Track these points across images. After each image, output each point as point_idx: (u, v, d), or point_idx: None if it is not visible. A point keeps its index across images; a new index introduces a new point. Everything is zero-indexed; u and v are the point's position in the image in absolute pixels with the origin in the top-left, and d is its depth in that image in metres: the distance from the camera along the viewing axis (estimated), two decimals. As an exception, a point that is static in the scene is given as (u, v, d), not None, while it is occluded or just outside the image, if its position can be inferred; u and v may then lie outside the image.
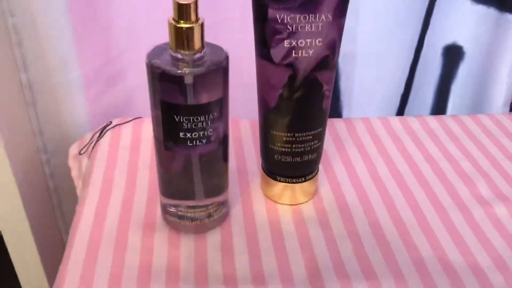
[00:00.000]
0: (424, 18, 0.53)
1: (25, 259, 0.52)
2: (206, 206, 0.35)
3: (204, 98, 0.31)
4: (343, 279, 0.33)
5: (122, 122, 0.47)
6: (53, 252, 0.57)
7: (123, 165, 0.42)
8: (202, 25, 0.29)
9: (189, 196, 0.35)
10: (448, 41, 0.55)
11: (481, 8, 0.52)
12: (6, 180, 0.47)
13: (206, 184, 0.35)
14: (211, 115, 0.31)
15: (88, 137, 0.48)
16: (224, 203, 0.37)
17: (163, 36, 0.49)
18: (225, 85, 0.32)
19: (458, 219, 0.38)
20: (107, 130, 0.46)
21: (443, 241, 0.36)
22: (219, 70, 0.31)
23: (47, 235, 0.55)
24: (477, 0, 0.52)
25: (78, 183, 0.46)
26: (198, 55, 0.30)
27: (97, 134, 0.46)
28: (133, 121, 0.47)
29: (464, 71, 0.57)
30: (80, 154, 0.46)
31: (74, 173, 0.47)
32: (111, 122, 0.47)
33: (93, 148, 0.45)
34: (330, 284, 0.32)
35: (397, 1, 0.51)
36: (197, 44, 0.30)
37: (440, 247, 0.36)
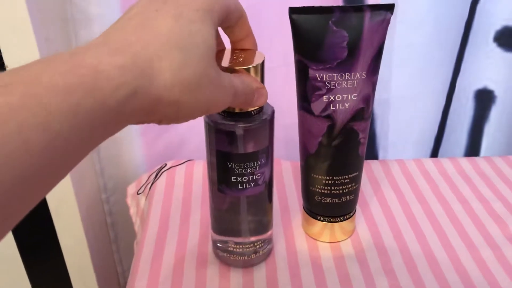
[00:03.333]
0: (454, 64, 0.57)
1: (86, 284, 0.57)
2: (253, 243, 0.39)
3: (253, 147, 0.35)
4: (379, 313, 0.35)
5: (176, 164, 0.52)
6: (107, 280, 0.62)
7: (177, 204, 0.47)
8: None
9: (238, 233, 0.39)
10: (479, 85, 0.58)
11: (510, 55, 0.55)
12: (73, 215, 0.52)
13: (254, 222, 0.39)
14: (259, 162, 0.35)
15: (144, 178, 0.53)
16: (269, 240, 0.40)
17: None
18: (271, 135, 0.36)
19: (489, 258, 0.40)
20: (163, 171, 0.51)
21: (475, 279, 0.38)
22: (266, 122, 0.35)
23: (104, 267, 0.60)
24: (506, 48, 0.55)
25: (136, 220, 0.51)
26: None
27: (153, 175, 0.51)
28: (186, 163, 0.52)
29: (496, 113, 0.59)
30: (138, 194, 0.51)
31: (132, 211, 0.52)
32: (166, 164, 0.52)
33: (150, 188, 0.50)
34: (367, 316, 0.35)
35: (428, 48, 0.54)
36: None
37: (472, 285, 0.38)
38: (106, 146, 0.55)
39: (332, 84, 0.36)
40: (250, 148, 0.35)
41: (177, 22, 0.23)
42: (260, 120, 0.35)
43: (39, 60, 0.20)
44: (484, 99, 0.59)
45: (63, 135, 0.19)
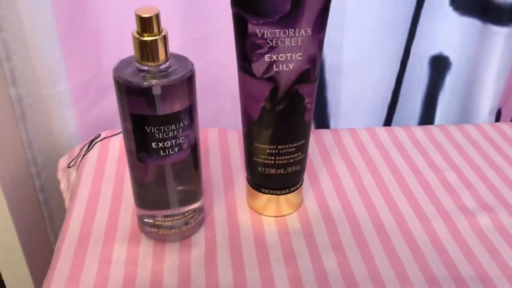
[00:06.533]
0: (409, 29, 0.54)
1: (14, 271, 0.52)
2: (183, 213, 0.36)
3: (173, 107, 0.31)
4: (325, 291, 0.33)
5: (110, 134, 0.47)
6: (43, 264, 0.57)
7: (110, 178, 0.42)
8: (165, 37, 0.30)
9: (166, 205, 0.35)
10: (435, 51, 0.56)
11: (466, 20, 0.53)
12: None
13: (182, 192, 0.35)
14: (181, 123, 0.31)
15: (77, 150, 0.48)
16: (200, 210, 0.37)
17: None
18: (192, 93, 0.32)
19: (441, 230, 0.38)
20: (96, 142, 0.46)
21: (426, 252, 0.36)
22: (185, 79, 0.31)
23: (37, 247, 0.55)
24: (461, 12, 0.53)
25: (66, 196, 0.46)
26: (163, 66, 0.30)
27: (86, 147, 0.47)
28: (121, 133, 0.48)
29: (451, 80, 0.58)
30: (68, 167, 0.47)
31: (63, 186, 0.47)
32: (99, 134, 0.47)
33: (81, 160, 0.45)
34: (312, 295, 0.32)
35: (381, 12, 0.51)
36: (161, 55, 0.30)
37: (423, 258, 0.36)
38: (33, 115, 0.50)
39: (274, 42, 0.32)
40: (171, 109, 0.31)
41: None
42: (179, 75, 0.30)
43: None
44: (439, 66, 0.57)
45: None
